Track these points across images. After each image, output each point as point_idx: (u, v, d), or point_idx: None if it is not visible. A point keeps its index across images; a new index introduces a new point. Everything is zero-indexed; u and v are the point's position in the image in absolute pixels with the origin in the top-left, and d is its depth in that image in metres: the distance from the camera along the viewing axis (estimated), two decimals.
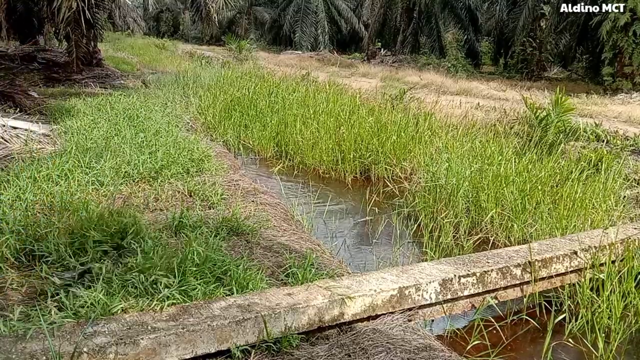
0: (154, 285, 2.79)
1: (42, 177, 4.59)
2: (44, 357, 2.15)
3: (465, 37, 26.89)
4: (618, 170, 5.93)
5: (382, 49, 31.81)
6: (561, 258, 3.64)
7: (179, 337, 2.38)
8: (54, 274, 2.90)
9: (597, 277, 3.53)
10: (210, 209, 4.48)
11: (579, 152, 6.93)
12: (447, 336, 3.28)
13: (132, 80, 14.04)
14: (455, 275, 3.20)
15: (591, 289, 3.47)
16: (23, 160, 5.36)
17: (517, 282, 3.48)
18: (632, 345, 3.28)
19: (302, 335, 2.73)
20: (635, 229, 4.17)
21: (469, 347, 2.97)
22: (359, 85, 14.60)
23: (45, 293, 2.77)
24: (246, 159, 7.74)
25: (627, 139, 8.17)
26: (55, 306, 2.62)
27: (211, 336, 2.46)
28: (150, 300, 2.67)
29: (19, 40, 17.67)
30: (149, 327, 2.39)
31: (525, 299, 3.54)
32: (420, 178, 6.07)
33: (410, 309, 3.05)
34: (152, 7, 45.12)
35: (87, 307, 2.58)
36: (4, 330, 2.36)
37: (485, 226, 4.88)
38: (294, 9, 35.87)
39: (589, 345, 3.10)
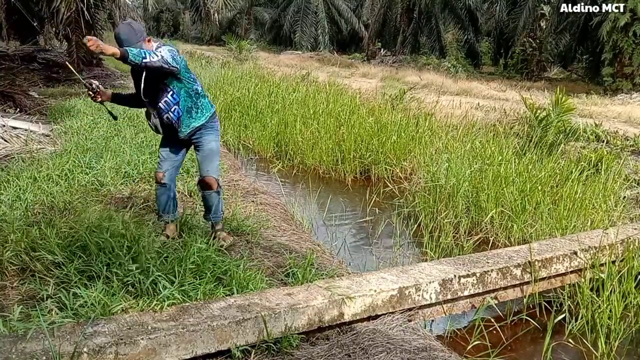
0: (154, 286, 2.79)
1: (42, 177, 4.59)
2: (44, 357, 2.14)
3: (465, 37, 26.90)
4: (618, 171, 5.93)
5: (382, 49, 31.77)
6: (561, 258, 3.64)
7: (179, 337, 2.38)
8: None
9: (597, 277, 3.53)
10: None
11: (579, 153, 6.93)
12: (447, 336, 3.28)
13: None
14: (455, 276, 3.20)
15: (591, 289, 3.47)
16: (23, 161, 5.36)
17: (517, 282, 3.49)
18: (633, 345, 3.28)
19: (302, 336, 2.73)
20: (635, 229, 4.17)
21: (469, 347, 2.96)
22: (359, 85, 14.60)
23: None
24: (246, 159, 7.74)
25: (627, 139, 8.17)
26: (55, 306, 2.63)
27: (211, 336, 2.46)
28: (150, 300, 2.68)
29: (19, 40, 17.65)
30: (149, 327, 2.39)
31: (525, 299, 3.54)
32: (420, 178, 6.07)
33: (410, 309, 3.05)
34: (152, 7, 45.07)
35: (87, 307, 2.58)
36: (4, 330, 2.36)
37: (485, 226, 4.88)
38: (294, 9, 35.84)
39: (589, 345, 3.09)
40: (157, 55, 3.15)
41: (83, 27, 11.70)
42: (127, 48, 3.05)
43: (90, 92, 3.40)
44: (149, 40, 3.37)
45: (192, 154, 5.89)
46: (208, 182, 3.56)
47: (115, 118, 3.70)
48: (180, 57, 3.37)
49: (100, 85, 3.46)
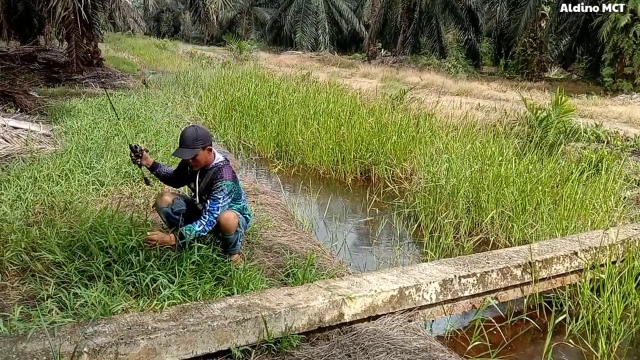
0: (154, 285, 2.79)
1: (43, 177, 4.59)
2: (45, 357, 2.14)
3: (466, 37, 26.85)
4: (618, 171, 5.93)
5: (383, 50, 31.77)
6: (561, 259, 3.64)
7: (179, 337, 2.38)
8: None
9: (597, 277, 3.53)
10: None
11: (579, 153, 6.93)
12: (447, 337, 3.28)
13: (132, 80, 14.04)
14: (455, 276, 3.20)
15: (592, 290, 3.47)
16: (24, 160, 5.36)
17: (518, 282, 3.49)
18: (633, 345, 3.28)
19: (303, 336, 2.73)
20: (635, 229, 4.17)
21: (469, 347, 2.96)
22: (360, 85, 14.60)
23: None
24: (246, 159, 7.73)
25: (628, 140, 8.17)
26: (55, 306, 2.63)
27: (211, 336, 2.46)
28: (151, 300, 2.68)
29: (19, 40, 17.68)
30: (149, 327, 2.39)
31: (525, 300, 3.54)
32: (421, 178, 6.06)
33: (410, 310, 3.05)
34: (152, 7, 45.13)
35: (88, 307, 2.58)
36: (4, 330, 2.36)
37: (486, 227, 4.88)
38: (295, 9, 35.84)
39: (590, 346, 3.09)
40: (210, 226, 3.10)
41: (80, 26, 11.69)
42: (183, 231, 3.01)
43: (133, 155, 3.34)
44: (209, 150, 3.19)
45: None
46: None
47: (148, 183, 3.54)
48: (237, 189, 3.28)
49: (145, 151, 3.38)
